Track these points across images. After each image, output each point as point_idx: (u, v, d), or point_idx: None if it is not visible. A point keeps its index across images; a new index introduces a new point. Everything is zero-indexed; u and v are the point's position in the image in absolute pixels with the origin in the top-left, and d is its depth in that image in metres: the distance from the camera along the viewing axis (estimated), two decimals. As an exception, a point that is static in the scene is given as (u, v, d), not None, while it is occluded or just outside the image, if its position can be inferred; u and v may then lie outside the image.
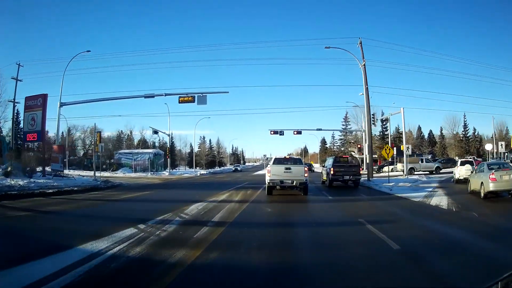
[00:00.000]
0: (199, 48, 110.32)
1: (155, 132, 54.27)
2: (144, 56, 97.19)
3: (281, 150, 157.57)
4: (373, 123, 39.74)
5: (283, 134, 43.91)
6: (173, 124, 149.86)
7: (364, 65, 28.59)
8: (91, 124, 57.16)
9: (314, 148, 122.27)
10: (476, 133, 75.20)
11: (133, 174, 47.84)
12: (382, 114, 43.54)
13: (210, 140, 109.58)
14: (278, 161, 17.24)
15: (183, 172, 61.51)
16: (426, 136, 79.11)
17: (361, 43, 29.32)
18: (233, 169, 76.00)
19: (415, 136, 76.13)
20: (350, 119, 70.36)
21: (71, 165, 51.41)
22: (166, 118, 52.50)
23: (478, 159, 42.65)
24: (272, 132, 43.73)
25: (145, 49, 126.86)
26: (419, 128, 78.53)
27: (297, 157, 20.34)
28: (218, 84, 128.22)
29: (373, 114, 39.36)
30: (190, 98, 28.73)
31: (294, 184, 15.73)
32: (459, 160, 25.08)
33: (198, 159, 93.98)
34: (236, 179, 34.21)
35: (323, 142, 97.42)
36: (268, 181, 15.91)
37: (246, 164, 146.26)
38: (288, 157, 19.34)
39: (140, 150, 64.32)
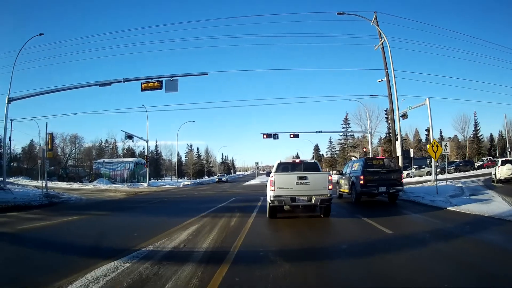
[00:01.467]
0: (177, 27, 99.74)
1: (129, 137, 46.57)
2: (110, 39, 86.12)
3: (273, 158, 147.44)
4: (386, 120, 33.07)
5: (277, 138, 37.69)
6: (160, 133, 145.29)
7: (382, 44, 21.76)
8: (72, 131, 51.66)
9: (306, 156, 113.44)
10: (479, 134, 69.45)
11: (103, 186, 41.60)
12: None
13: (198, 148, 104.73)
14: (284, 167, 11.97)
15: (165, 183, 54.69)
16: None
17: (376, 18, 22.58)
18: (217, 179, 59.26)
19: (412, 140, 69.94)
20: (351, 121, 64.27)
21: (51, 175, 46.67)
22: (154, 125, 45.33)
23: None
24: (265, 136, 37.45)
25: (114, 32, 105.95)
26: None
27: (312, 160, 13.98)
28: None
29: (385, 110, 32.71)
30: (156, 84, 21.42)
31: (313, 202, 9.98)
32: (500, 160, 23.85)
33: (185, 168, 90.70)
34: (221, 193, 26.78)
35: (316, 149, 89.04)
36: (272, 198, 10.09)
37: (237, 173, 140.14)
38: (298, 161, 13.25)
39: (120, 160, 59.15)
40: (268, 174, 18.24)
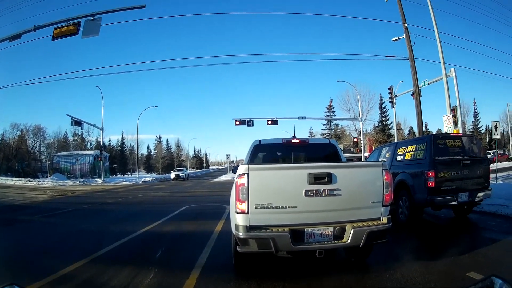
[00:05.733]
0: None
1: (77, 123, 39.30)
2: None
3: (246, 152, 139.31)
4: (390, 101, 26.82)
5: (252, 125, 31.49)
6: (129, 125, 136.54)
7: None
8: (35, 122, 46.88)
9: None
10: (479, 125, 64.62)
11: (47, 183, 35.86)
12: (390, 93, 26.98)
13: (167, 141, 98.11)
14: (269, 153, 6.41)
15: (125, 179, 48.75)
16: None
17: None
18: (173, 176, 45.41)
19: (406, 133, 63.82)
20: (337, 107, 56.80)
21: (8, 171, 45.74)
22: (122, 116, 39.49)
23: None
24: (237, 122, 31.26)
25: None
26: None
27: (325, 140, 7.95)
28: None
29: (389, 88, 26.39)
30: (71, 28, 14.15)
31: (350, 240, 3.93)
32: None
33: (153, 162, 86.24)
34: (175, 195, 19.72)
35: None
36: (243, 235, 3.87)
37: (210, 167, 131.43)
38: (298, 141, 6.38)
39: (81, 152, 52.75)
40: (235, 169, 5.05)
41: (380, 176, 4.18)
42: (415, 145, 8.55)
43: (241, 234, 3.87)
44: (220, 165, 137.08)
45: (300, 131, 76.04)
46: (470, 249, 5.61)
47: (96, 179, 41.57)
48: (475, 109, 63.68)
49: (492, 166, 16.14)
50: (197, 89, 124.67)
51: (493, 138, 15.58)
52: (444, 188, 7.59)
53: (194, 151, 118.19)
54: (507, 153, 50.08)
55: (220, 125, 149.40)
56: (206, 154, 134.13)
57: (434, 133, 41.54)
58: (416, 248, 6.10)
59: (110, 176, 51.41)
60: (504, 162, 38.60)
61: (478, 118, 64.04)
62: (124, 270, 4.69)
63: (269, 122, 31.12)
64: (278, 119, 31.65)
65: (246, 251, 3.99)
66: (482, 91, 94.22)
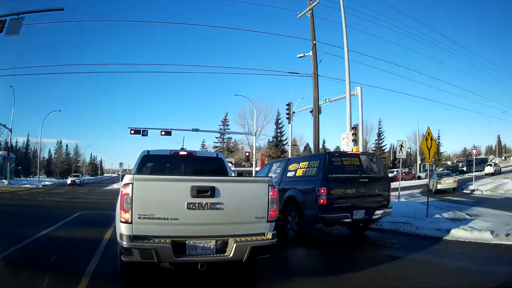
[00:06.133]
0: None
1: None
2: None
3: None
4: (287, 117, 26.66)
5: (146, 135, 31.90)
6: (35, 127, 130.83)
7: (312, 9, 16.21)
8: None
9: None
10: (382, 144, 66.31)
11: None
12: (289, 109, 26.67)
13: (67, 146, 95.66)
14: (157, 164, 6.45)
15: (28, 182, 46.55)
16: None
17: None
18: (69, 181, 44.34)
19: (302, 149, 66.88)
20: (232, 121, 58.48)
21: None
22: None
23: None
24: (132, 132, 31.29)
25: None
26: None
27: (213, 153, 8.64)
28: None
29: (287, 104, 26.29)
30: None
31: (232, 254, 3.99)
32: (436, 172, 27.14)
33: (53, 166, 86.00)
34: (69, 202, 18.65)
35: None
36: (127, 244, 3.80)
37: (105, 175, 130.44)
38: (185, 153, 6.58)
39: None
40: (123, 178, 4.74)
41: (266, 192, 4.26)
42: (307, 162, 8.51)
43: (124, 243, 3.75)
44: (113, 173, 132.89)
45: (193, 144, 74.78)
46: (368, 266, 5.70)
47: (3, 180, 40.44)
48: (380, 128, 64.86)
49: (396, 184, 17.64)
50: (97, 95, 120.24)
51: (397, 157, 16.45)
52: (337, 205, 7.55)
53: (91, 158, 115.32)
54: (413, 172, 51.89)
55: (116, 133, 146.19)
56: (101, 161, 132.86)
57: (331, 150, 44.29)
58: (306, 265, 6.26)
59: (15, 178, 49.92)
60: (409, 181, 40.73)
61: (382, 137, 65.10)
62: (16, 276, 4.57)
63: (163, 133, 31.54)
64: (172, 130, 32.25)
65: (130, 261, 3.88)
66: (393, 110, 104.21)
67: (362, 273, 5.25)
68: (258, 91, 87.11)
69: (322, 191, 7.40)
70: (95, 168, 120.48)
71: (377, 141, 64.96)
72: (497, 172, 40.47)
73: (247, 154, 37.92)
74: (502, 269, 5.53)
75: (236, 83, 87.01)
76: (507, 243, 7.10)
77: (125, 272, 4.48)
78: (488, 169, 40.80)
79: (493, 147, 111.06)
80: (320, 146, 18.47)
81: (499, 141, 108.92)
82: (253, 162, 36.28)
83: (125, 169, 77.40)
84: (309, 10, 16.19)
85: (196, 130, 33.58)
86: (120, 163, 71.13)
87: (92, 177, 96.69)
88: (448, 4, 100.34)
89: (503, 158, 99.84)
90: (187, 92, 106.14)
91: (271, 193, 4.28)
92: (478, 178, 29.41)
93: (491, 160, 55.68)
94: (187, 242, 3.93)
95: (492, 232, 7.66)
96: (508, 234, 7.47)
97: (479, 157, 56.95)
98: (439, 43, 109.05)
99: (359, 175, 7.94)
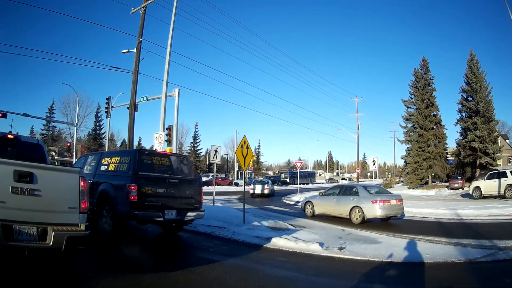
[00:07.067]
0: None
1: None
2: None
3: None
4: (106, 111, 26.96)
5: None
6: None
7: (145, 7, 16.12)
8: None
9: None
10: (198, 147, 66.63)
11: None
12: (108, 104, 27.10)
13: None
14: None
15: None
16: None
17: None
18: None
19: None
20: (56, 110, 53.66)
21: None
22: None
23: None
24: None
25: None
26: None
27: (38, 140, 8.23)
28: None
29: (107, 98, 26.62)
30: None
31: (52, 241, 4.15)
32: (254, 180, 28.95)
33: None
34: None
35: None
36: None
37: None
38: (11, 136, 6.99)
39: None
40: None
41: (77, 183, 4.40)
42: (119, 157, 8.43)
43: None
44: None
45: (24, 129, 67.09)
46: (183, 267, 5.70)
47: None
48: (196, 132, 65.28)
49: (211, 188, 17.77)
50: None
51: (211, 161, 16.77)
52: (148, 204, 7.54)
53: None
54: (230, 178, 52.02)
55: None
56: None
57: (147, 148, 45.50)
58: (121, 261, 6.21)
59: None
60: (226, 186, 41.21)
61: (198, 141, 65.43)
62: None
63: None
64: (8, 113, 27.37)
65: None
66: (213, 116, 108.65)
67: (178, 272, 5.29)
68: (84, 82, 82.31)
69: (133, 187, 7.40)
70: None
71: (192, 144, 65.71)
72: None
73: (68, 144, 36.94)
74: (338, 282, 5.58)
75: (63, 72, 78.52)
76: (341, 256, 7.07)
77: None
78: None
79: (323, 162, 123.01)
80: (136, 143, 18.28)
81: (330, 157, 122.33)
82: (73, 153, 34.83)
83: None
84: (143, 7, 16.14)
85: (27, 115, 30.47)
86: None
87: None
88: (289, 20, 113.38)
89: (334, 174, 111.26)
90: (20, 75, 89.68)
91: (82, 185, 4.43)
92: (303, 190, 31.03)
93: (319, 175, 63.36)
94: (14, 227, 3.91)
95: (321, 244, 7.70)
96: (341, 248, 7.56)
97: (306, 170, 63.17)
98: (283, 62, 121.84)
99: (169, 175, 8.08)
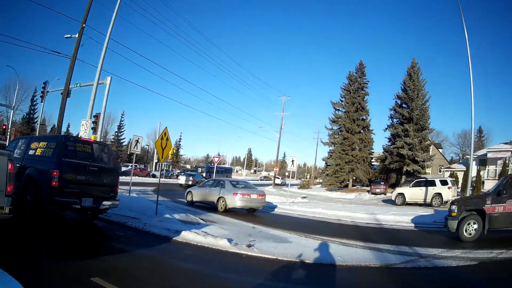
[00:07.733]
0: None
1: None
2: None
3: None
4: (41, 96, 26.72)
5: None
6: None
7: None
8: None
9: None
10: (122, 137, 65.40)
11: None
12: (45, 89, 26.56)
13: None
14: None
15: None
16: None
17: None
18: None
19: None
20: None
21: None
22: None
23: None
24: None
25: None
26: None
27: None
28: None
29: (44, 83, 26.30)
30: None
31: None
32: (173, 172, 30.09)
33: None
34: None
35: None
36: None
37: None
38: None
39: None
40: None
41: (5, 166, 4.32)
42: (46, 143, 8.45)
43: None
44: None
45: None
46: (95, 255, 5.79)
47: None
48: (122, 121, 64.48)
49: (128, 178, 17.10)
50: None
51: (131, 151, 16.73)
52: (68, 190, 7.60)
53: None
54: (149, 169, 51.32)
55: None
56: None
57: (74, 134, 43.58)
58: (46, 246, 6.25)
59: None
60: (144, 177, 40.59)
61: (122, 130, 64.60)
62: None
63: None
64: None
65: None
66: (140, 106, 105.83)
67: (89, 261, 5.32)
68: (27, 65, 75.78)
69: (55, 173, 7.48)
70: None
71: (117, 133, 64.73)
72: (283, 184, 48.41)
73: (4, 127, 36.06)
74: (243, 279, 5.58)
75: (8, 55, 70.44)
76: (249, 253, 7.01)
77: None
78: (277, 181, 47.70)
79: (241, 159, 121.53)
80: (65, 130, 17.89)
81: (249, 154, 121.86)
82: (7, 136, 33.53)
83: None
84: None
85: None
86: None
87: None
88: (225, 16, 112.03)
89: (252, 171, 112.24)
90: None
91: (9, 168, 4.34)
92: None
93: (236, 171, 62.30)
94: None
95: (230, 240, 7.68)
96: (250, 245, 7.51)
97: (223, 166, 62.21)
98: (214, 55, 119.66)
99: (89, 163, 8.24)
